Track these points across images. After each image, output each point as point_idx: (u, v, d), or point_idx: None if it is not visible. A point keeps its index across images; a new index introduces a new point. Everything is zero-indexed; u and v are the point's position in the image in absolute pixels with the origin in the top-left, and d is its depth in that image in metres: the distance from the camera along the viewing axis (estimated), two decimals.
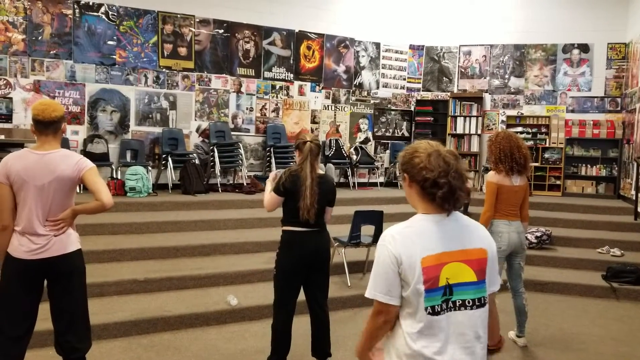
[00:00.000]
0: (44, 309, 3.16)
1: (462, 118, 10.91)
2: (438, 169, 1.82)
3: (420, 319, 1.80)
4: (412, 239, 1.81)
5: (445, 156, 1.85)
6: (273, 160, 9.49)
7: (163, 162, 8.66)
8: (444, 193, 1.81)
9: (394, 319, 1.86)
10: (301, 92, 10.22)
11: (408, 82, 11.30)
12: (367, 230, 5.75)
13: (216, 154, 8.90)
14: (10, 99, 7.97)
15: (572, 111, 10.46)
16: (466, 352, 1.84)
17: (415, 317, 1.81)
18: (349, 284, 5.68)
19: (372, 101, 10.95)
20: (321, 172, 3.82)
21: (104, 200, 2.99)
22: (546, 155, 10.36)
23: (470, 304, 1.85)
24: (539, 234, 7.21)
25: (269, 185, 3.89)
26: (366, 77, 10.86)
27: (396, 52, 11.13)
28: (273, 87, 9.94)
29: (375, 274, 1.85)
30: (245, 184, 9.04)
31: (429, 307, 1.78)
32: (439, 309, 1.80)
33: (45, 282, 3.08)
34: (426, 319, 1.79)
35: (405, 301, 1.82)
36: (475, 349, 1.87)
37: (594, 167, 10.19)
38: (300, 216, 3.62)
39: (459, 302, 1.83)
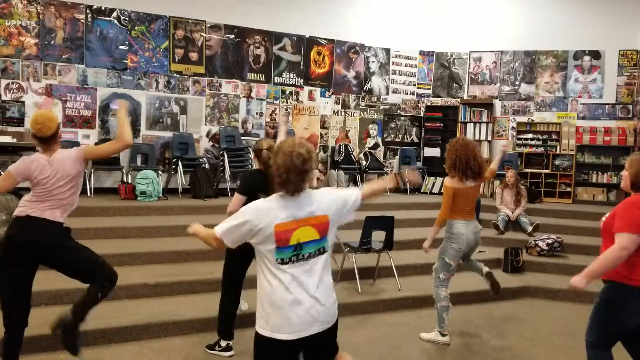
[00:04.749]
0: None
1: (472, 124, 10.88)
2: (280, 166, 2.37)
3: (273, 269, 2.40)
4: (268, 212, 2.39)
5: (293, 158, 2.36)
6: None
7: (173, 166, 8.68)
8: (278, 182, 2.40)
9: (222, 245, 2.44)
10: (311, 98, 10.23)
11: (418, 88, 11.29)
12: (376, 236, 5.74)
13: (226, 159, 8.92)
14: (23, 102, 8.02)
15: (583, 118, 10.41)
16: (312, 291, 2.41)
17: (270, 269, 2.41)
18: (360, 290, 5.64)
19: (381, 107, 10.95)
20: None
21: (123, 138, 3.53)
22: (557, 162, 10.31)
23: (314, 253, 2.45)
24: (550, 241, 7.16)
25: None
26: (376, 83, 10.86)
27: (406, 58, 11.14)
28: (283, 92, 9.96)
29: (233, 225, 2.40)
30: None
31: (278, 259, 2.39)
32: (287, 260, 2.39)
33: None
34: (277, 267, 2.39)
35: (263, 256, 2.41)
36: (320, 290, 2.43)
37: (605, 174, 10.12)
38: None
39: (306, 254, 2.42)
